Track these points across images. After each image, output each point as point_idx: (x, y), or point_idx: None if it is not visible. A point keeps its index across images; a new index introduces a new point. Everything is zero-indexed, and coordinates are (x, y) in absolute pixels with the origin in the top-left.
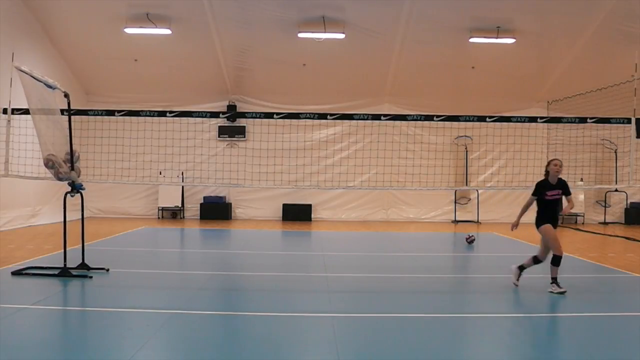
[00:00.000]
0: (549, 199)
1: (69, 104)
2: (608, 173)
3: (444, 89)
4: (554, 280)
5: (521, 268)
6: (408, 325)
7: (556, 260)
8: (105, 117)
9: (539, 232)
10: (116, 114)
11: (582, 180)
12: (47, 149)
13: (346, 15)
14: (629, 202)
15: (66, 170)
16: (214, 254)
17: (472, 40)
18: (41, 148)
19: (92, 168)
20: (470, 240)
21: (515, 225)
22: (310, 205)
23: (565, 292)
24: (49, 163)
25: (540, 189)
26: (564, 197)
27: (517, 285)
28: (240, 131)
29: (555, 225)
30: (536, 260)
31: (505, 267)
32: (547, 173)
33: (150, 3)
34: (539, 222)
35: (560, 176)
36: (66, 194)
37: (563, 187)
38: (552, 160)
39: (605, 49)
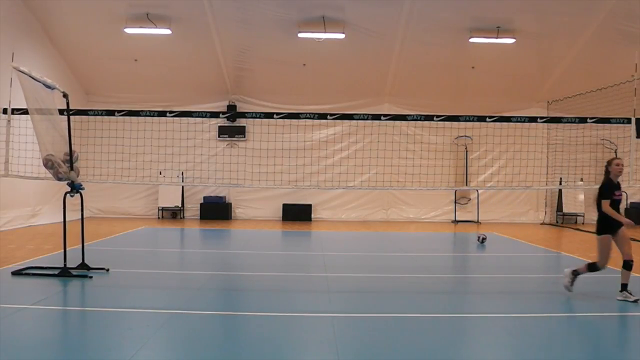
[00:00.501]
0: (616, 199)
1: (67, 104)
2: None
3: (444, 89)
4: (624, 287)
5: (624, 287)
6: (408, 325)
7: (593, 268)
8: (105, 117)
9: (598, 239)
10: (116, 114)
11: (582, 180)
12: (46, 149)
13: (346, 15)
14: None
15: (65, 170)
16: (214, 254)
17: (472, 40)
18: (40, 148)
19: (92, 168)
20: (482, 240)
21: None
22: (310, 205)
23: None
24: (48, 163)
25: (610, 190)
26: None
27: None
28: (240, 131)
29: (618, 229)
30: (625, 264)
31: (505, 267)
32: (607, 173)
33: (150, 3)
34: (602, 229)
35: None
36: (66, 194)
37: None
38: (613, 160)
39: (605, 49)
